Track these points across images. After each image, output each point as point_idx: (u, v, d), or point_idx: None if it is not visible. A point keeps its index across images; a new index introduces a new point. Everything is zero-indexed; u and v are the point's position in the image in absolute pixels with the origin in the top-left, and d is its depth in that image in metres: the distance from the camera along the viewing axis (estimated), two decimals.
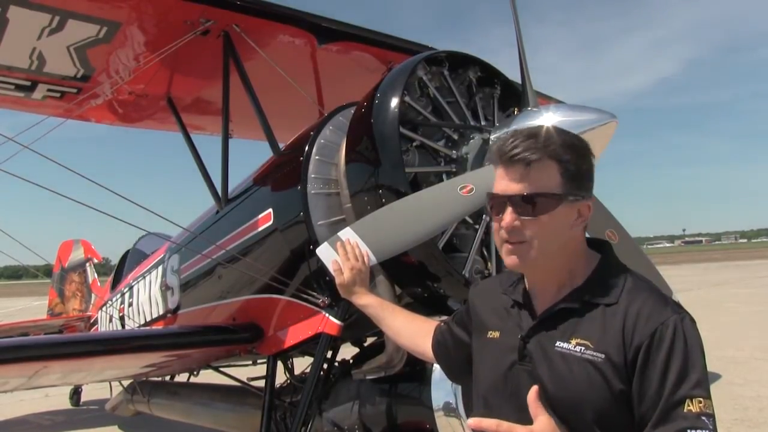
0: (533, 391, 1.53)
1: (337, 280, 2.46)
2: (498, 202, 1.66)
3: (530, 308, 1.71)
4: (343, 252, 2.48)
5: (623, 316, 1.53)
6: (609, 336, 1.52)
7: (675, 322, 1.49)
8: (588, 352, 1.52)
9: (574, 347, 1.54)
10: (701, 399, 1.43)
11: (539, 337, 1.63)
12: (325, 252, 2.59)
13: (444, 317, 2.24)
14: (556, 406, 1.54)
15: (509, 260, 1.67)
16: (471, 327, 1.93)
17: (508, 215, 1.62)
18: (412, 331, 2.27)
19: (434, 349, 2.13)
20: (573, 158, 1.62)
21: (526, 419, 1.52)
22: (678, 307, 1.55)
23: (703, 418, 1.41)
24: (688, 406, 1.42)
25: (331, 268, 2.52)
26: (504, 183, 1.65)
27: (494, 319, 1.80)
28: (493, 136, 3.11)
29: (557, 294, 1.66)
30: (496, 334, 1.75)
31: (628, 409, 1.50)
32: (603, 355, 1.50)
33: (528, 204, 1.60)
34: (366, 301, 2.41)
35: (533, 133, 1.64)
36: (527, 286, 1.76)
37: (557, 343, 1.58)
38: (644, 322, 1.50)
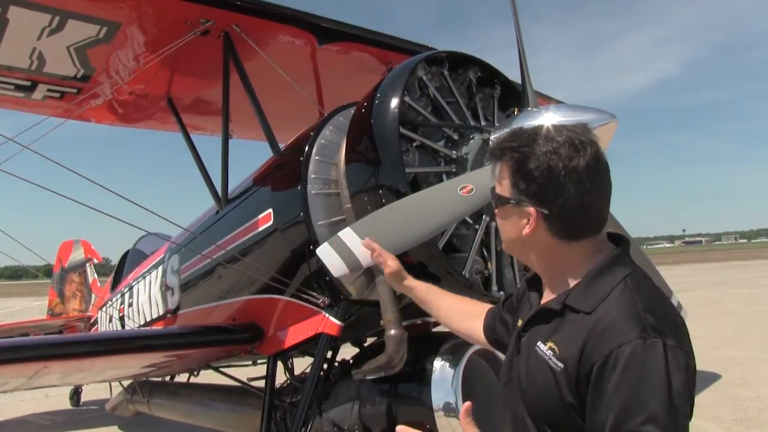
0: (464, 407, 1.67)
1: (387, 271, 2.49)
2: None
3: (535, 304, 1.73)
4: (376, 247, 2.54)
5: (591, 328, 1.45)
6: (573, 347, 1.46)
7: (634, 348, 1.35)
8: (553, 358, 1.50)
9: (547, 350, 1.53)
10: None
11: (530, 333, 1.64)
12: (325, 252, 2.59)
13: None
14: (524, 400, 1.59)
15: None
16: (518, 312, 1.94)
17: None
18: (464, 314, 2.27)
19: (485, 333, 2.14)
20: (523, 164, 1.59)
21: (517, 410, 1.60)
22: (652, 330, 1.38)
23: None
24: None
25: (368, 263, 2.61)
26: None
27: (524, 307, 1.84)
28: (492, 136, 3.11)
29: (555, 293, 1.66)
30: (520, 322, 1.77)
31: (576, 419, 1.45)
32: (562, 365, 1.47)
33: (493, 197, 1.73)
34: (413, 283, 2.45)
35: (514, 132, 1.69)
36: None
37: (538, 343, 1.58)
38: (606, 340, 1.40)
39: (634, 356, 1.35)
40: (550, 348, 1.53)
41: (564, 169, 1.54)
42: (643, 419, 1.30)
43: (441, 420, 3.17)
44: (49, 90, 4.95)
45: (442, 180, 3.15)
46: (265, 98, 4.33)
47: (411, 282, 2.45)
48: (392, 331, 3.10)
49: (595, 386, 1.39)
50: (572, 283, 1.61)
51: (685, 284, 25.33)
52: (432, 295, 2.39)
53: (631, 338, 1.37)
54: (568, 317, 1.54)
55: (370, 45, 4.71)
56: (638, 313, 1.43)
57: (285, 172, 3.83)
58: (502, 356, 3.60)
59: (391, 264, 2.48)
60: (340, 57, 4.79)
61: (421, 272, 3.09)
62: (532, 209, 1.60)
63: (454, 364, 3.26)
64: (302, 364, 4.31)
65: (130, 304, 6.72)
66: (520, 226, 1.65)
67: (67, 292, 11.27)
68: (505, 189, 1.66)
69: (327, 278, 3.42)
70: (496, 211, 1.74)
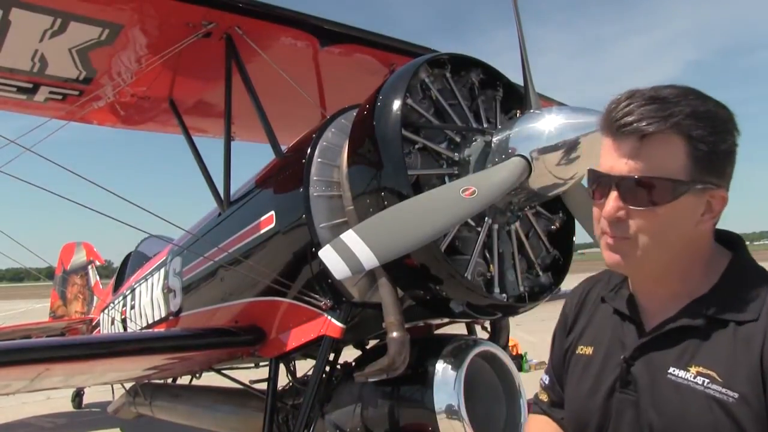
0: None
1: None
2: (602, 184, 1.30)
3: (637, 321, 1.37)
4: None
5: (762, 339, 1.18)
6: (742, 367, 1.18)
7: None
8: (714, 386, 1.19)
9: (694, 378, 1.21)
10: None
11: (647, 360, 1.30)
12: (327, 255, 2.58)
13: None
14: None
15: (607, 256, 1.31)
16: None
17: (612, 202, 1.27)
18: None
19: None
20: (707, 133, 1.22)
21: None
22: None
23: None
24: None
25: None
26: (611, 159, 1.28)
27: (589, 331, 1.48)
28: (495, 138, 3.10)
29: (672, 303, 1.31)
30: (589, 350, 1.44)
31: None
32: (736, 394, 1.16)
33: (641, 190, 1.24)
34: None
35: (655, 96, 1.25)
36: (632, 290, 1.42)
37: (671, 370, 1.25)
38: None
39: None
40: (701, 374, 1.21)
41: (736, 142, 1.27)
42: None
43: (443, 422, 3.16)
44: (51, 92, 4.95)
45: (444, 182, 3.14)
46: (267, 100, 4.32)
47: None
48: (394, 334, 3.09)
49: None
50: (699, 288, 1.29)
51: None
52: None
53: None
54: (715, 332, 1.24)
55: (372, 47, 4.71)
56: None
57: (287, 174, 3.83)
58: (504, 358, 3.59)
59: None
60: (342, 59, 4.78)
61: (423, 274, 3.09)
62: (719, 192, 1.26)
63: (457, 367, 3.26)
64: (304, 367, 4.30)
65: (133, 307, 6.71)
66: (694, 220, 1.26)
67: (69, 295, 11.28)
68: (676, 170, 1.23)
69: (329, 280, 3.42)
70: (636, 208, 1.25)
